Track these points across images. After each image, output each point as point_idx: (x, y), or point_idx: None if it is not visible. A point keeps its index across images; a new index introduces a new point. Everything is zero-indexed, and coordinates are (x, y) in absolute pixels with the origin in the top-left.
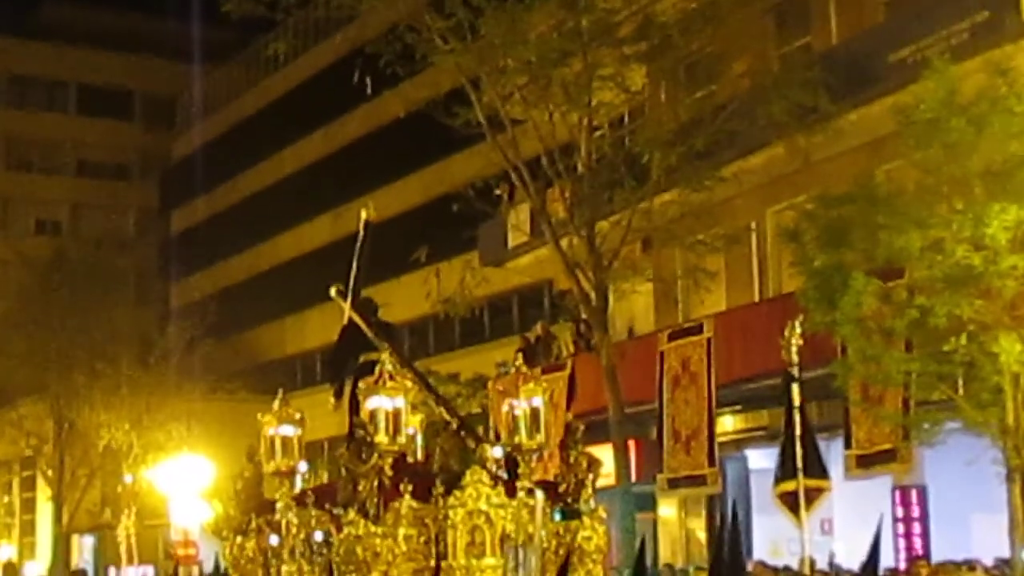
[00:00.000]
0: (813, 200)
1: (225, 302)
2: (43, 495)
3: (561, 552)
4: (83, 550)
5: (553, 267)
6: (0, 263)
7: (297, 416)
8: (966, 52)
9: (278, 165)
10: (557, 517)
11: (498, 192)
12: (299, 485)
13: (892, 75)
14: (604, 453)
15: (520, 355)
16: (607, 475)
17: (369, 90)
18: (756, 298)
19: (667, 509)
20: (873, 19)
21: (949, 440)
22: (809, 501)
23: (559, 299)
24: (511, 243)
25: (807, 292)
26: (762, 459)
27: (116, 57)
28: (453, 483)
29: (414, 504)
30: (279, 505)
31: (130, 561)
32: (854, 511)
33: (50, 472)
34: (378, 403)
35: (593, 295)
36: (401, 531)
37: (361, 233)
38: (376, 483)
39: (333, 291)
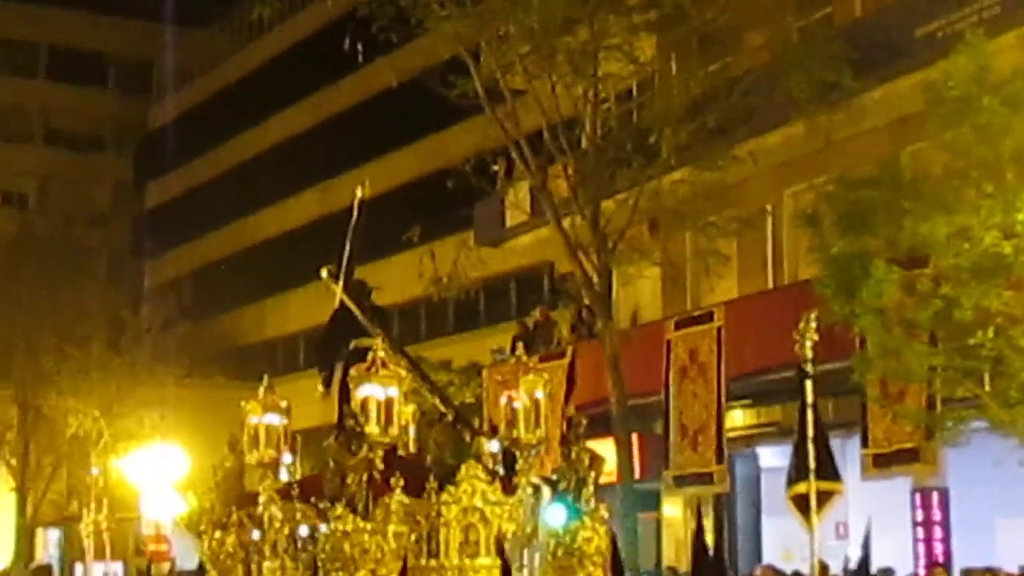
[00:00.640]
0: (833, 182)
1: (202, 282)
2: (5, 485)
3: (560, 554)
4: (48, 544)
5: (554, 248)
6: None
7: (283, 404)
8: (999, 26)
9: (261, 136)
10: (557, 516)
11: (496, 168)
12: (284, 477)
13: (920, 50)
14: (606, 448)
15: (519, 343)
16: (608, 472)
17: (360, 57)
18: (770, 285)
19: (671, 509)
20: None
21: (973, 440)
22: (820, 504)
23: (560, 283)
24: (509, 222)
25: (825, 280)
26: (774, 457)
27: (89, 18)
28: (447, 478)
29: (405, 499)
30: (262, 498)
31: (98, 556)
32: (871, 512)
33: (13, 461)
34: (370, 392)
35: (596, 279)
36: (391, 528)
37: (355, 212)
38: (366, 476)
39: (324, 273)
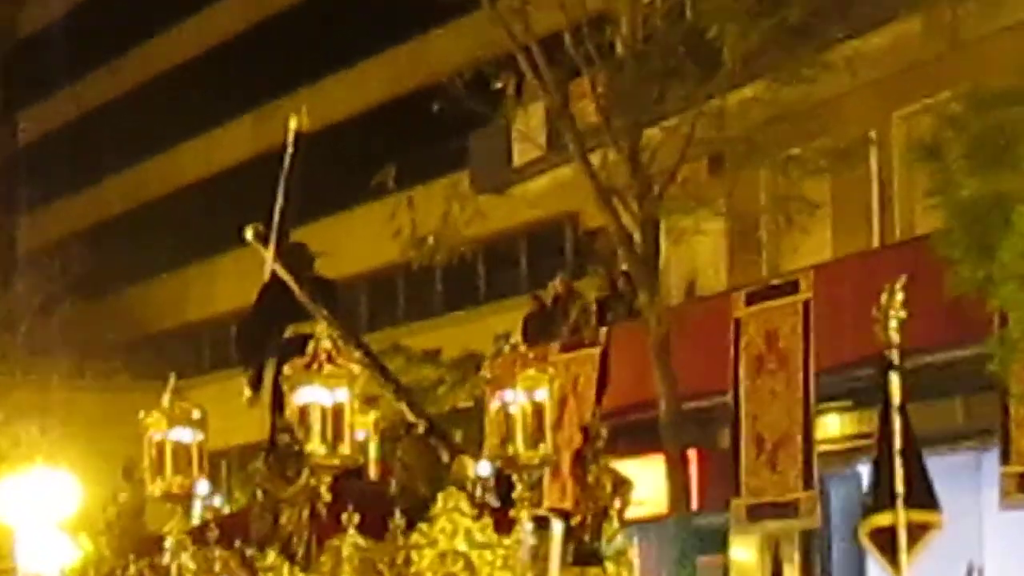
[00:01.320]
0: (961, 99)
1: (97, 244)
2: None
3: None
4: None
5: (579, 195)
6: None
7: (195, 415)
8: None
9: (174, 45)
10: None
11: (499, 85)
12: (198, 514)
13: None
14: (652, 468)
15: (533, 326)
16: (648, 502)
17: None
18: (875, 243)
19: (743, 550)
20: None
21: None
22: (912, 541)
23: (587, 243)
24: (518, 160)
25: (951, 235)
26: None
27: None
28: (418, 512)
29: (362, 542)
30: (169, 543)
31: None
32: (1015, 554)
33: None
34: (311, 396)
35: (637, 236)
36: None
37: (289, 150)
38: (307, 512)
39: (250, 233)
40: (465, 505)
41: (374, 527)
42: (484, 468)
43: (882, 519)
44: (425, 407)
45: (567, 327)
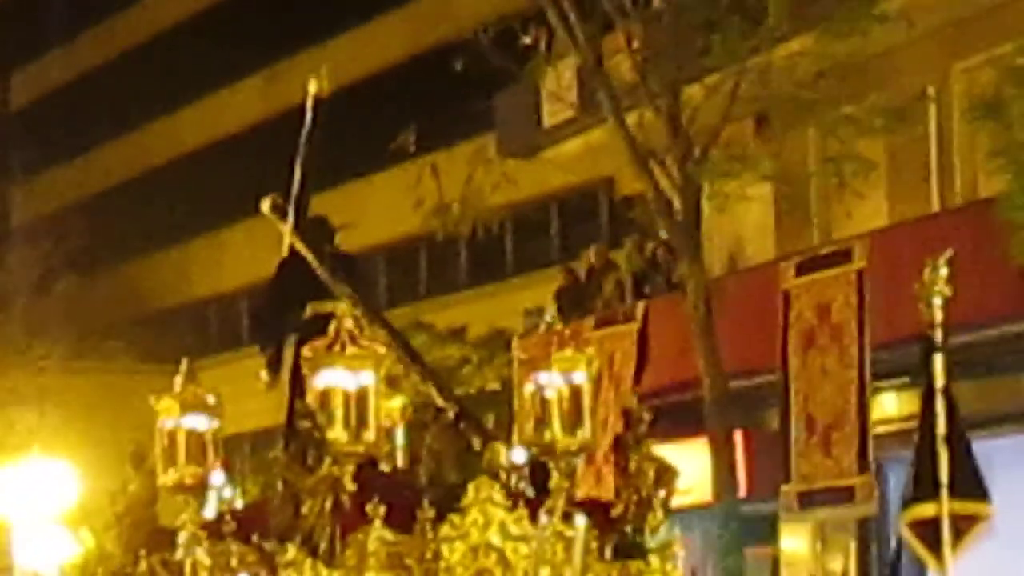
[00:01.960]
0: None
1: (95, 216)
2: None
3: None
4: None
5: (614, 159)
6: None
7: (210, 400)
8: None
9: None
10: None
11: (527, 40)
12: (213, 506)
13: None
14: (696, 452)
15: (565, 300)
16: (691, 489)
17: None
18: (935, 207)
19: (794, 540)
20: None
21: None
22: (958, 534)
23: (623, 209)
24: (548, 121)
25: (1015, 198)
26: None
27: None
28: (449, 503)
29: (389, 535)
30: (182, 537)
31: None
32: None
33: None
34: (333, 379)
35: (677, 202)
36: None
37: (308, 116)
38: (329, 503)
39: (267, 206)
40: (498, 495)
41: (401, 519)
42: (518, 455)
43: (924, 510)
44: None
45: (602, 301)
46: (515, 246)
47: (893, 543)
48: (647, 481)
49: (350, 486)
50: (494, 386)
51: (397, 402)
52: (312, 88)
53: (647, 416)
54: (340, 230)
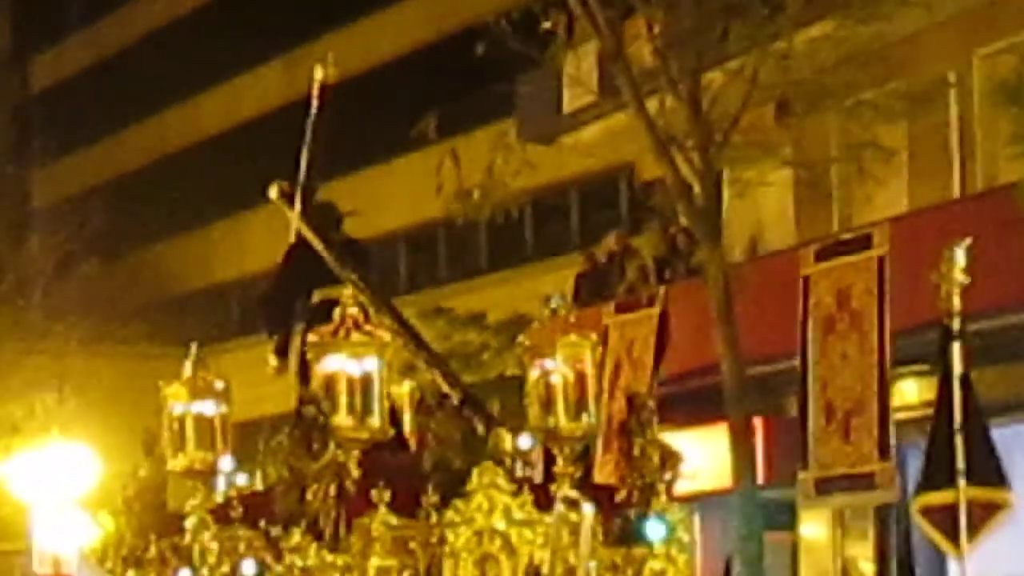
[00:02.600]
0: None
1: (116, 200)
2: None
3: None
4: None
5: (634, 144)
6: None
7: (219, 386)
8: None
9: None
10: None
11: (548, 25)
12: (221, 491)
13: None
14: (715, 438)
15: (585, 285)
16: (709, 474)
17: None
18: (956, 192)
19: (813, 526)
20: None
21: None
22: (976, 522)
23: (644, 195)
24: (568, 107)
25: None
26: None
27: None
28: (453, 489)
29: (393, 520)
30: (190, 522)
31: None
32: None
33: None
34: (337, 365)
35: (698, 188)
36: (373, 562)
37: (315, 104)
38: (335, 489)
39: (274, 192)
40: (503, 480)
41: (406, 504)
42: (524, 441)
43: (940, 497)
44: (469, 374)
45: (622, 287)
46: (535, 231)
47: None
48: (652, 466)
49: (355, 471)
50: (514, 371)
51: (405, 387)
52: (318, 75)
53: (651, 403)
54: (348, 217)
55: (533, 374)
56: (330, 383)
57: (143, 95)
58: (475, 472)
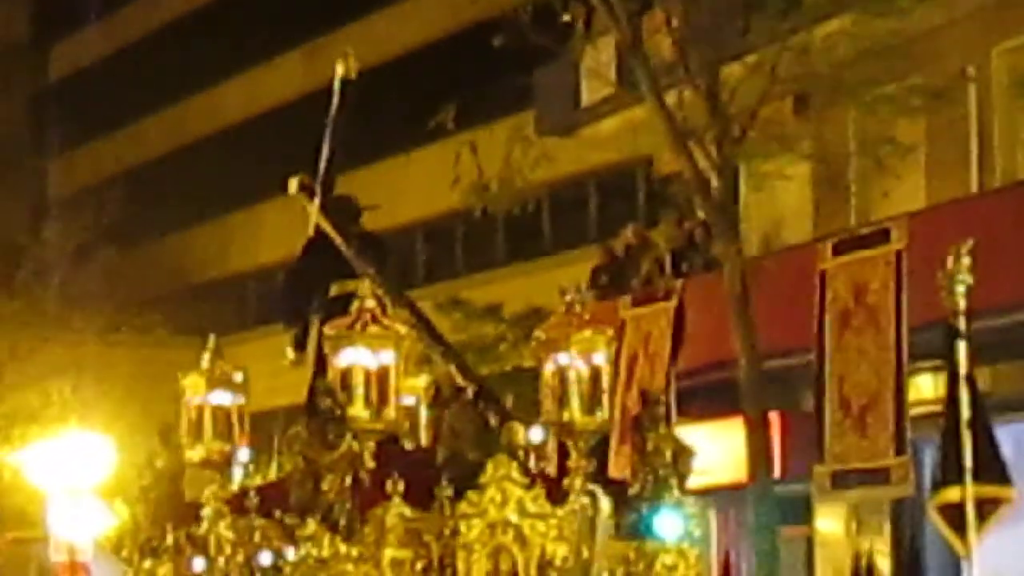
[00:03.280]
0: None
1: (134, 189)
2: None
3: None
4: None
5: (652, 138)
6: None
7: (236, 377)
8: None
9: None
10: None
11: (567, 18)
12: (238, 481)
13: None
14: (731, 432)
15: (602, 277)
16: (725, 468)
17: None
18: (974, 188)
19: (828, 521)
20: None
21: None
22: (982, 517)
23: (661, 188)
24: (587, 99)
25: None
26: None
27: None
28: (467, 481)
29: (407, 512)
30: (206, 511)
31: None
32: None
33: None
34: (354, 358)
35: (715, 181)
36: (387, 553)
37: (335, 98)
38: (349, 480)
39: (294, 185)
40: (516, 473)
41: (420, 496)
42: (537, 434)
43: (951, 494)
44: (486, 366)
45: (639, 280)
46: (552, 224)
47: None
48: (663, 461)
49: (370, 463)
50: (531, 363)
51: (422, 380)
52: (340, 70)
53: (662, 399)
54: (366, 210)
55: (548, 368)
56: (347, 375)
57: (161, 85)
58: (489, 465)
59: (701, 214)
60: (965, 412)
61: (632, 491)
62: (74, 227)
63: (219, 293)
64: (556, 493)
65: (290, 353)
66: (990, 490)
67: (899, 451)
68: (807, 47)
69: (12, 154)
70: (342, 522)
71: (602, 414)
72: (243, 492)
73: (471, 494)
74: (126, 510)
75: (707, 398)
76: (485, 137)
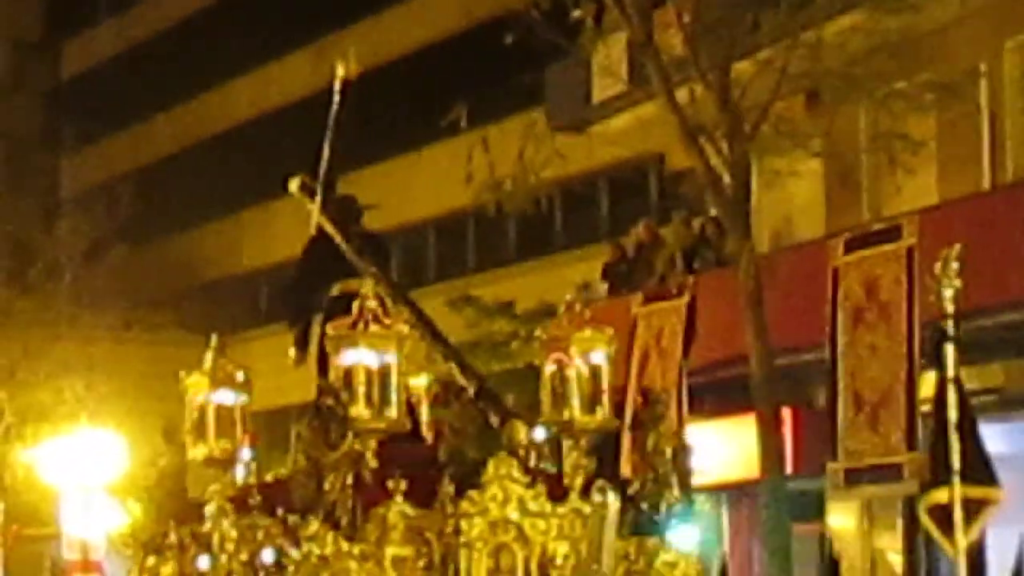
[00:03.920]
0: None
1: (146, 186)
2: None
3: None
4: None
5: (664, 134)
6: None
7: (239, 376)
8: None
9: None
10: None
11: (578, 14)
12: (241, 479)
13: None
14: (743, 428)
15: (613, 274)
16: (737, 465)
17: None
18: (986, 184)
19: (841, 517)
20: None
21: None
22: (970, 517)
23: (673, 185)
24: (598, 96)
25: None
26: (997, 439)
27: None
28: (468, 479)
29: (409, 510)
30: (210, 509)
31: None
32: None
33: None
34: (356, 358)
35: (727, 178)
36: (389, 551)
37: (336, 99)
38: (352, 478)
39: (295, 185)
40: (517, 472)
41: (422, 494)
42: (539, 433)
43: (940, 495)
44: (497, 362)
45: (651, 276)
46: (564, 220)
47: None
48: (664, 459)
49: (372, 462)
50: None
51: (423, 380)
52: (340, 71)
53: (662, 398)
54: (368, 210)
55: (548, 367)
56: (349, 375)
57: (173, 83)
58: (490, 463)
59: (713, 211)
60: (952, 414)
61: (632, 489)
62: (86, 225)
63: (231, 291)
64: (557, 491)
65: (292, 352)
66: (978, 491)
67: (911, 447)
68: (818, 43)
69: (24, 152)
70: (344, 520)
71: (602, 413)
72: (246, 490)
73: (473, 493)
74: (138, 507)
75: (719, 395)
76: (496, 134)
